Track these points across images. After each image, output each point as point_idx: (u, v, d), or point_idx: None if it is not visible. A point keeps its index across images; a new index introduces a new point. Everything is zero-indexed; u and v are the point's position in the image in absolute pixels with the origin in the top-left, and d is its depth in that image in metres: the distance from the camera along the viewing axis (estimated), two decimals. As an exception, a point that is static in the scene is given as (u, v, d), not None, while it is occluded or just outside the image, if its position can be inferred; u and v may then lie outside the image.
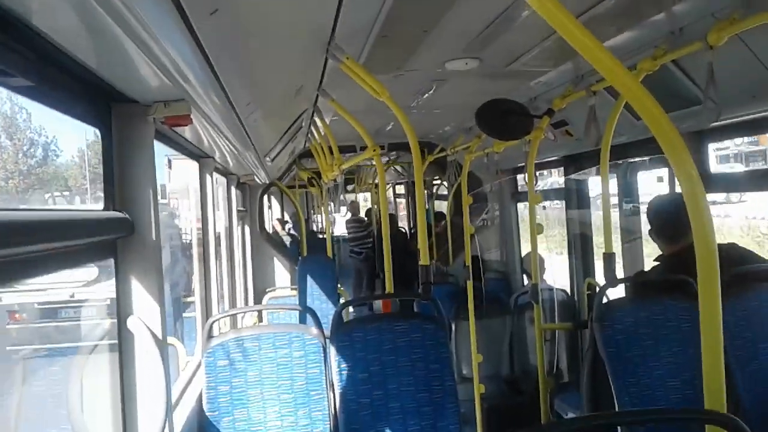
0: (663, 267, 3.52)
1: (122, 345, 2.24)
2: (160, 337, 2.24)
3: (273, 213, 14.26)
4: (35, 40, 1.40)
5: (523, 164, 4.88)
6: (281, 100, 3.57)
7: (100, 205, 2.14)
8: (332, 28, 2.60)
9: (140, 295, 2.21)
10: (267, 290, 7.40)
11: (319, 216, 16.68)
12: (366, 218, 12.55)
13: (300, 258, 7.27)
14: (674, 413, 2.02)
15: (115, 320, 2.26)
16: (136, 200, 2.16)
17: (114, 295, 2.25)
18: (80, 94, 1.88)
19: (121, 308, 2.20)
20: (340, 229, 13.22)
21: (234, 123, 2.83)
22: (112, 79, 1.87)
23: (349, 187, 14.08)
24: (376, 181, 12.52)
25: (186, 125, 2.19)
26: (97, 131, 2.13)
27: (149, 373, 2.24)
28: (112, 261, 2.19)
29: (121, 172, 2.15)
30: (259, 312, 6.43)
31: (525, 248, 7.30)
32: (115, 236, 2.10)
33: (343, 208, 13.56)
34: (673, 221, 3.48)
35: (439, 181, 9.56)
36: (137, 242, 2.17)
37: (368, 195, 14.67)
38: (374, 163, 10.68)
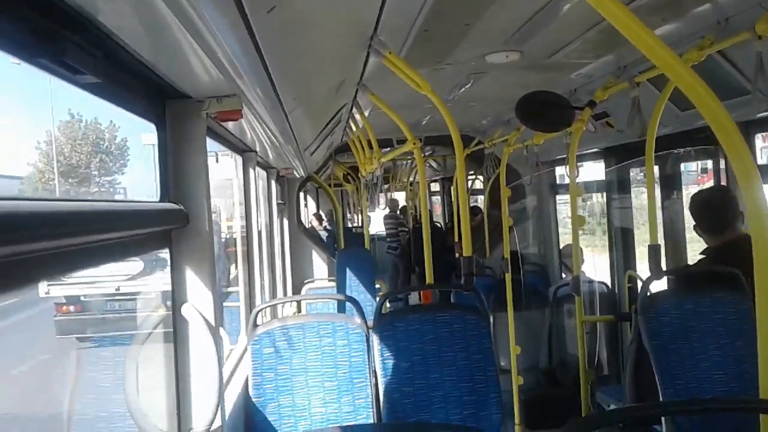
0: (709, 260, 3.48)
1: (177, 331, 2.32)
2: (213, 323, 2.32)
3: (309, 210, 14.39)
4: (102, 38, 1.47)
5: (563, 156, 4.86)
6: (324, 95, 3.62)
7: (156, 197, 2.22)
8: (376, 23, 2.64)
9: (194, 283, 2.29)
10: (305, 281, 7.50)
11: (355, 215, 16.80)
12: (401, 215, 12.64)
13: (337, 250, 7.35)
14: (730, 403, 2.00)
15: (167, 310, 2.34)
16: (190, 192, 2.23)
17: (163, 286, 2.33)
18: (138, 90, 1.95)
19: (176, 296, 2.28)
20: (376, 228, 13.28)
21: (279, 117, 2.89)
22: (168, 75, 1.94)
23: (384, 186, 14.12)
24: (411, 179, 12.58)
25: (237, 119, 2.26)
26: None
27: (202, 357, 2.31)
28: (166, 251, 2.27)
29: (176, 166, 2.22)
30: (298, 302, 6.53)
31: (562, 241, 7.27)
32: (171, 227, 2.17)
33: (380, 206, 13.61)
34: (717, 213, 3.45)
35: (473, 176, 9.53)
36: (191, 233, 2.25)
37: (402, 194, 14.75)
38: (411, 158, 10.63)
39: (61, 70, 1.34)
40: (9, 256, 1.08)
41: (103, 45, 1.49)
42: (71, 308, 7.12)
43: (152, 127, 2.16)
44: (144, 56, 1.68)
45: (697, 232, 3.60)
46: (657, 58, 1.46)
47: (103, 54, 1.50)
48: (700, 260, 3.57)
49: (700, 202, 3.58)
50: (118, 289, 6.58)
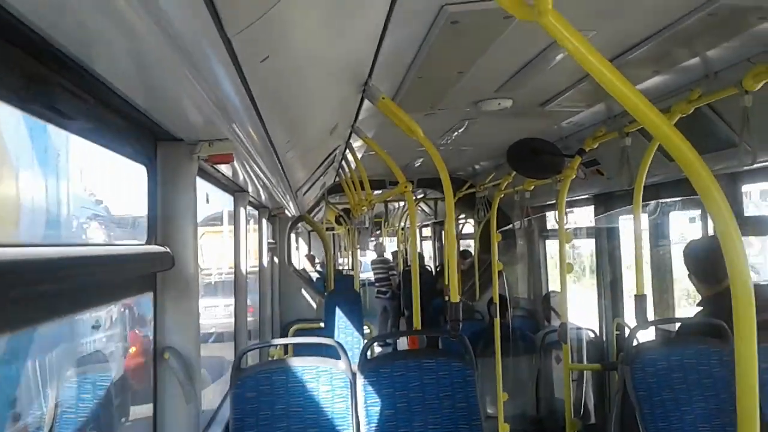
0: (708, 310, 3.45)
1: (157, 375, 2.27)
2: (195, 367, 2.27)
3: (300, 251, 14.42)
4: (95, 84, 1.47)
5: (553, 202, 4.88)
6: (317, 138, 3.64)
7: (143, 239, 2.20)
8: (370, 69, 2.67)
9: (177, 327, 2.25)
10: (294, 321, 7.41)
11: (345, 259, 16.89)
12: (392, 259, 12.78)
13: (327, 292, 7.30)
14: None
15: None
16: (178, 235, 2.21)
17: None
18: (130, 133, 1.95)
19: (158, 340, 2.24)
20: (366, 274, 13.34)
21: (272, 160, 2.90)
22: (161, 119, 1.94)
23: (376, 232, 14.24)
24: (403, 224, 12.65)
25: (228, 163, 2.25)
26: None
27: (182, 402, 2.27)
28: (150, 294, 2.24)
29: (164, 208, 2.21)
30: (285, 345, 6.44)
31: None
32: (156, 270, 2.15)
33: (369, 250, 13.68)
34: (713, 262, 3.41)
35: (464, 220, 9.57)
36: (176, 276, 2.22)
37: (394, 239, 14.84)
38: (402, 203, 10.65)
39: (53, 116, 1.34)
40: None
41: (95, 90, 1.49)
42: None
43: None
44: (137, 101, 1.68)
45: (692, 281, 3.56)
46: (637, 112, 1.46)
47: (95, 99, 1.50)
48: (698, 312, 3.53)
49: (692, 251, 3.55)
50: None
